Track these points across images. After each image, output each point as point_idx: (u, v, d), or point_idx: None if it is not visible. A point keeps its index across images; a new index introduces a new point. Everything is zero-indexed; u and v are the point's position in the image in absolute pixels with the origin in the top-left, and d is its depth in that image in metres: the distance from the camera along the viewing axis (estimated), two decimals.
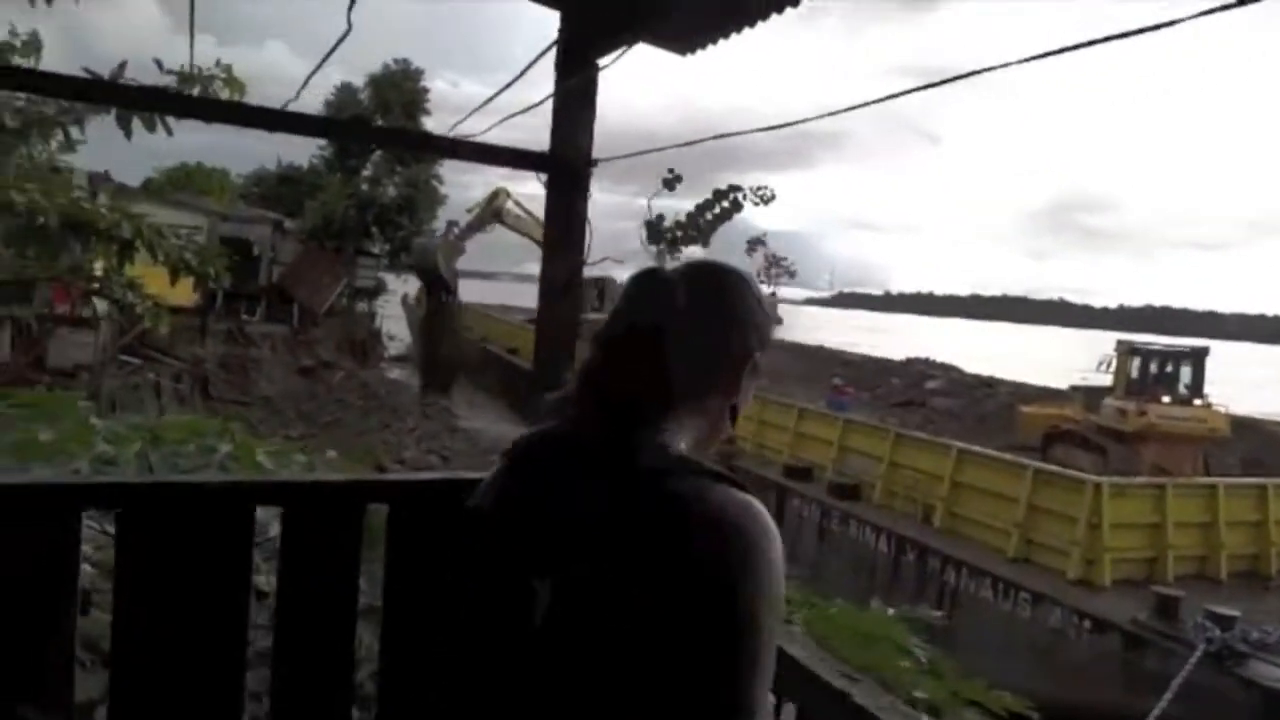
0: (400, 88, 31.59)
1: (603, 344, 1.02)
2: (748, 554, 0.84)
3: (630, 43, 1.81)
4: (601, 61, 1.93)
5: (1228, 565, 9.46)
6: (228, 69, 3.44)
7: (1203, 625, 7.22)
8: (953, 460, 10.70)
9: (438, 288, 23.96)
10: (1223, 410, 15.17)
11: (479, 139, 2.32)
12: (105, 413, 15.51)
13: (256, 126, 2.06)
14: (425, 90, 32.92)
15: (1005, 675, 8.95)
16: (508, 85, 2.73)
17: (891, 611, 2.77)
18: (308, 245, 28.04)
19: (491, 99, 3.00)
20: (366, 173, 32.37)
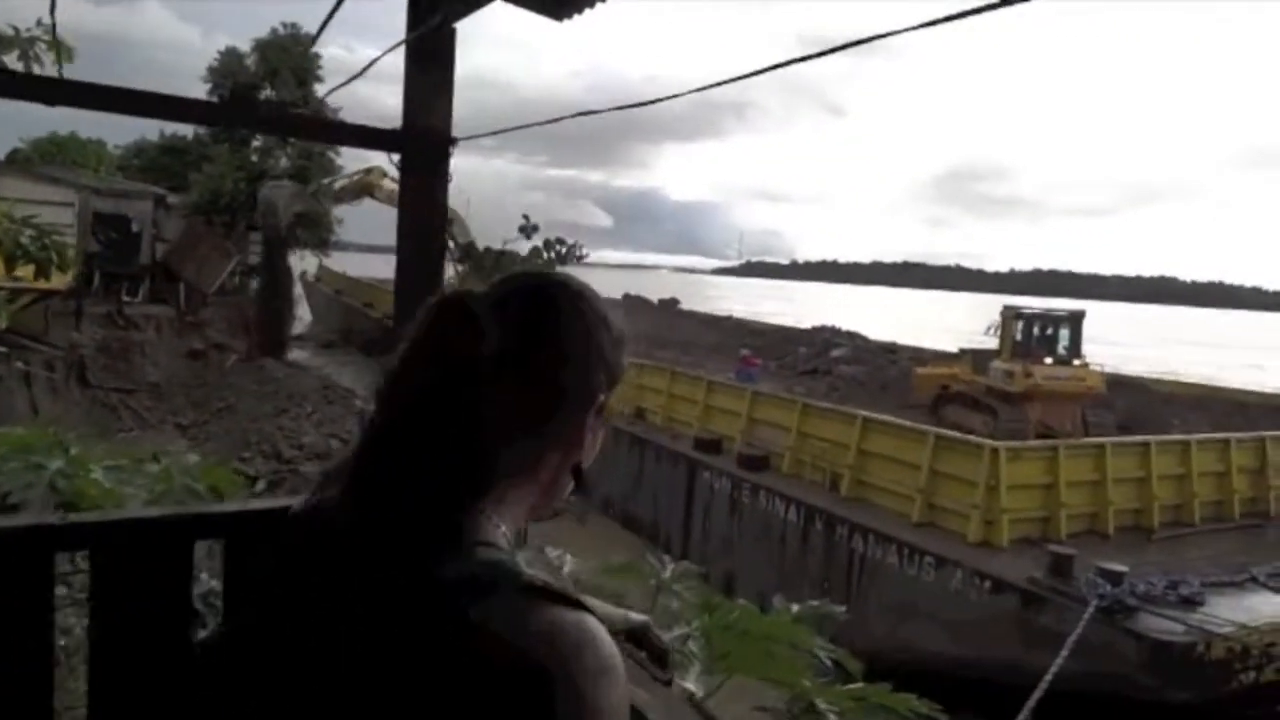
0: (289, 52, 30.00)
1: (385, 404, 0.78)
2: (579, 708, 0.64)
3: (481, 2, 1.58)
4: (460, 24, 1.69)
5: (1115, 520, 9.89)
6: (50, 29, 3.01)
7: (1094, 581, 7.50)
8: (858, 429, 10.86)
9: (276, 246, 22.10)
10: (1099, 369, 16.25)
11: (331, 115, 2.06)
12: None
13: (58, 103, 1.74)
14: (317, 56, 31.40)
15: (912, 638, 9.19)
16: (384, 54, 2.45)
17: (795, 608, 2.65)
18: (193, 220, 26.48)
19: (365, 70, 2.71)
20: (256, 143, 30.72)
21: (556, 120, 1.87)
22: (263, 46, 30.43)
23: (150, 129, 33.88)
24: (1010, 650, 7.95)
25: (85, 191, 21.64)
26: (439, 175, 1.69)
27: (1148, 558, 8.98)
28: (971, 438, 10.54)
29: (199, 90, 28.13)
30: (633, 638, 1.98)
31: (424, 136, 1.69)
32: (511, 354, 0.78)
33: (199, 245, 24.94)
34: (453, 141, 1.70)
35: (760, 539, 11.28)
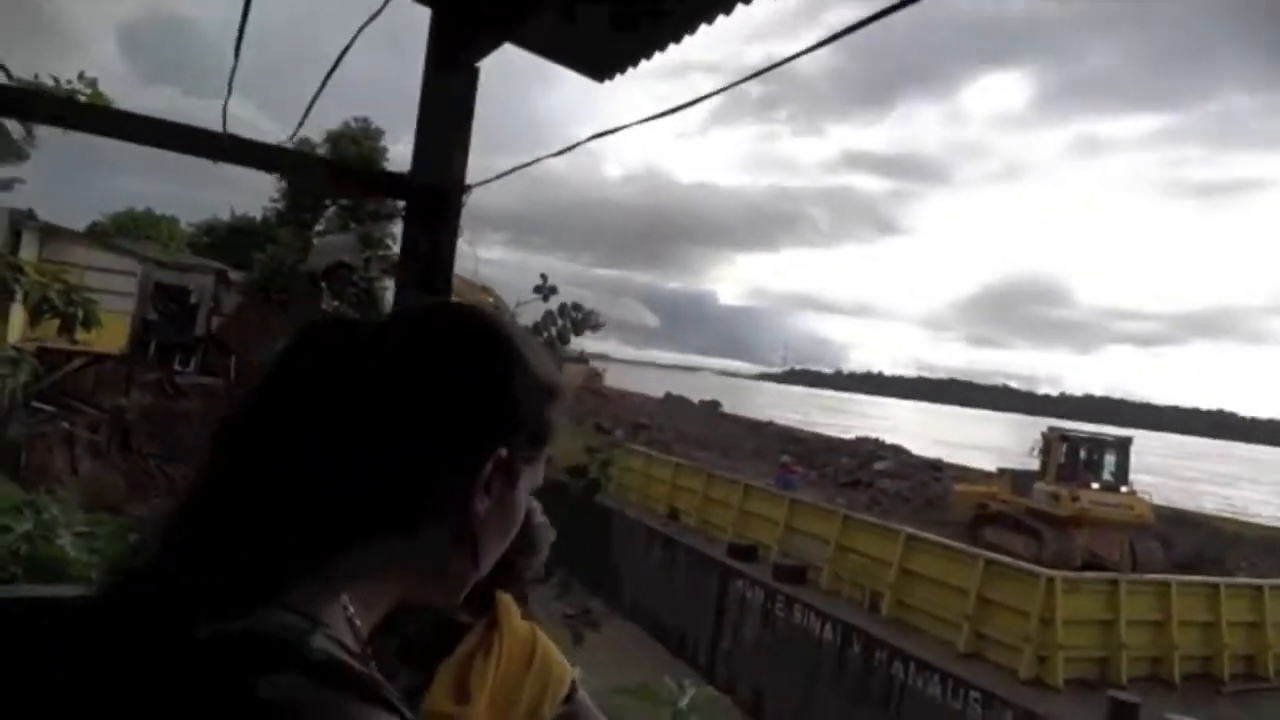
0: (360, 144, 31.28)
1: (215, 448, 0.61)
2: None
3: (507, 37, 1.42)
4: (482, 63, 1.52)
5: (1180, 667, 9.11)
6: (92, 83, 2.98)
7: None
8: (901, 546, 10.30)
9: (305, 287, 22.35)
10: (1147, 498, 15.59)
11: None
12: (8, 462, 14.48)
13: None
14: (384, 150, 32.68)
15: None
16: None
17: None
18: (250, 296, 27.17)
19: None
20: (319, 227, 31.77)
21: (571, 148, 1.69)
22: (333, 138, 31.80)
23: (222, 208, 35.33)
24: None
25: (149, 263, 22.38)
26: (447, 225, 1.51)
27: (1219, 711, 8.20)
28: (1026, 564, 9.90)
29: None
30: None
31: (432, 181, 1.51)
32: (376, 393, 0.59)
33: (253, 319, 25.51)
34: (465, 189, 1.52)
35: (793, 656, 10.62)
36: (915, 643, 9.47)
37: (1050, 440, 16.04)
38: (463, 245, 1.55)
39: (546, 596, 15.64)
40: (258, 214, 33.60)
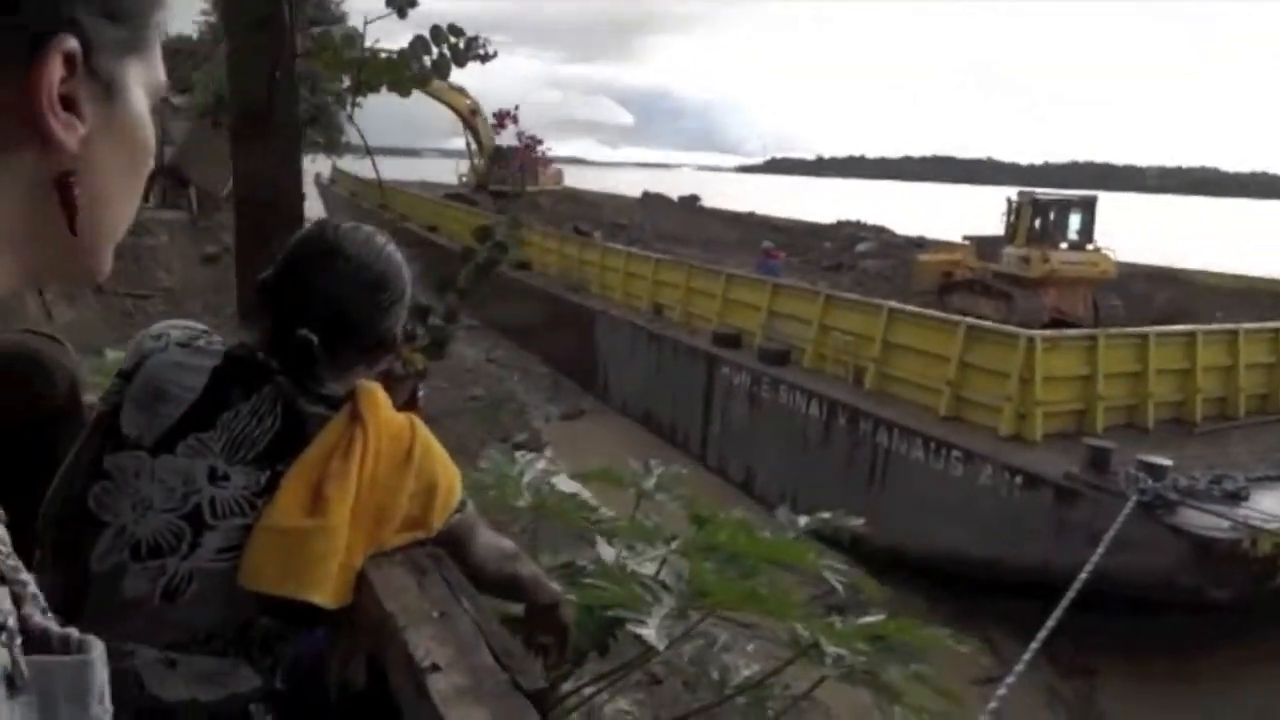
0: None
1: None
2: None
3: None
4: None
5: (1155, 414, 9.39)
6: None
7: (1135, 476, 7.07)
8: (884, 320, 10.32)
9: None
10: (1111, 255, 16.12)
11: None
12: None
13: None
14: None
15: (938, 535, 8.83)
16: None
17: (804, 520, 2.20)
18: (198, 124, 25.77)
19: None
20: None
21: None
22: None
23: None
24: (1042, 548, 7.61)
25: None
26: None
27: (1190, 452, 8.52)
28: (1007, 328, 9.97)
29: None
30: (531, 619, 1.52)
31: None
32: None
33: (206, 148, 24.31)
34: None
35: (781, 435, 10.94)
36: (898, 411, 9.70)
37: (1020, 204, 16.46)
38: None
39: (539, 398, 15.99)
40: (191, 32, 31.26)
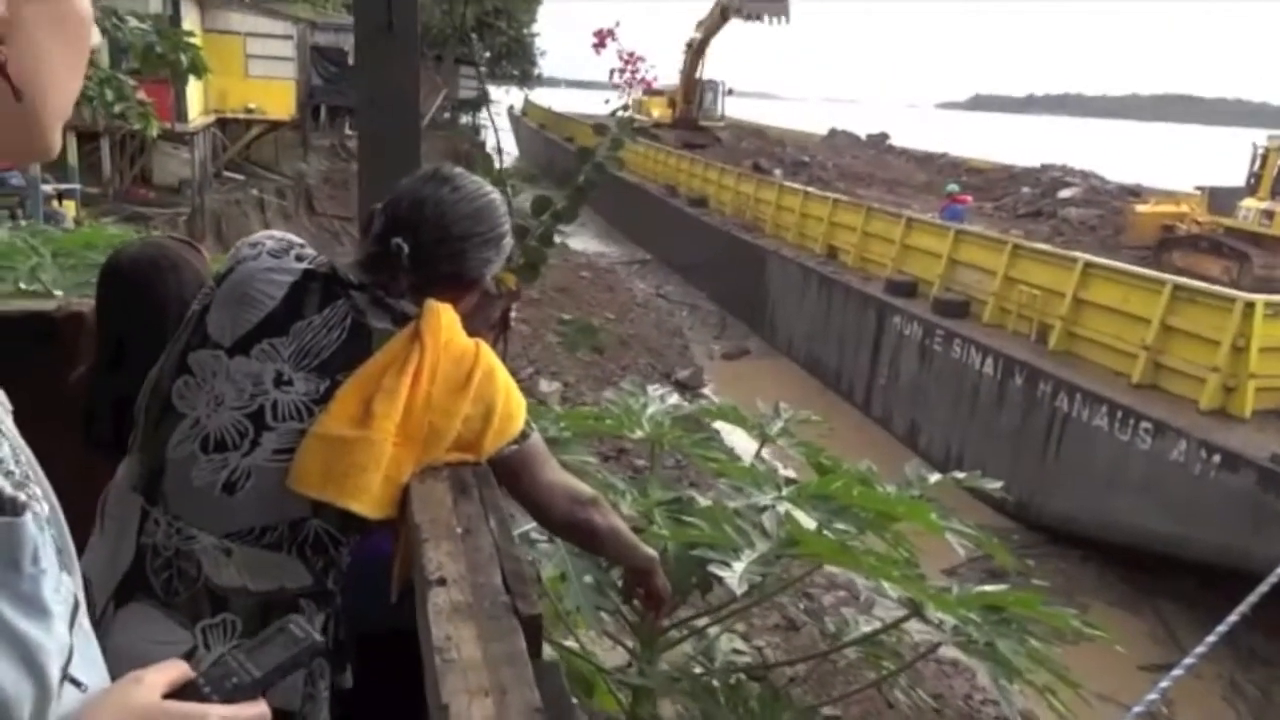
0: None
1: None
2: None
3: None
4: None
5: None
6: None
7: None
8: (1077, 274, 9.51)
9: None
10: None
11: None
12: (209, 229, 15.90)
13: None
14: None
15: (1116, 510, 8.22)
16: None
17: (935, 478, 2.13)
18: None
19: None
20: None
21: None
22: None
23: None
24: (1236, 533, 6.91)
25: (303, 24, 22.55)
26: None
27: None
28: (1221, 289, 8.94)
29: None
30: (629, 582, 1.55)
31: None
32: None
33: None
34: None
35: (950, 391, 10.45)
36: (1085, 375, 8.99)
37: (1270, 150, 14.08)
38: None
39: (705, 336, 16.07)
40: None
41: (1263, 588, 5.28)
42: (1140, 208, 17.66)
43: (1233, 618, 4.88)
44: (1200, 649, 4.65)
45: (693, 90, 29.34)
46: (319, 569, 1.29)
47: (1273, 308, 7.96)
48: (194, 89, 15.69)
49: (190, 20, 16.40)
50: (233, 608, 1.24)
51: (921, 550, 2.23)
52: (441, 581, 0.97)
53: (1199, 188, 16.86)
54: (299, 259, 1.35)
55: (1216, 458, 7.27)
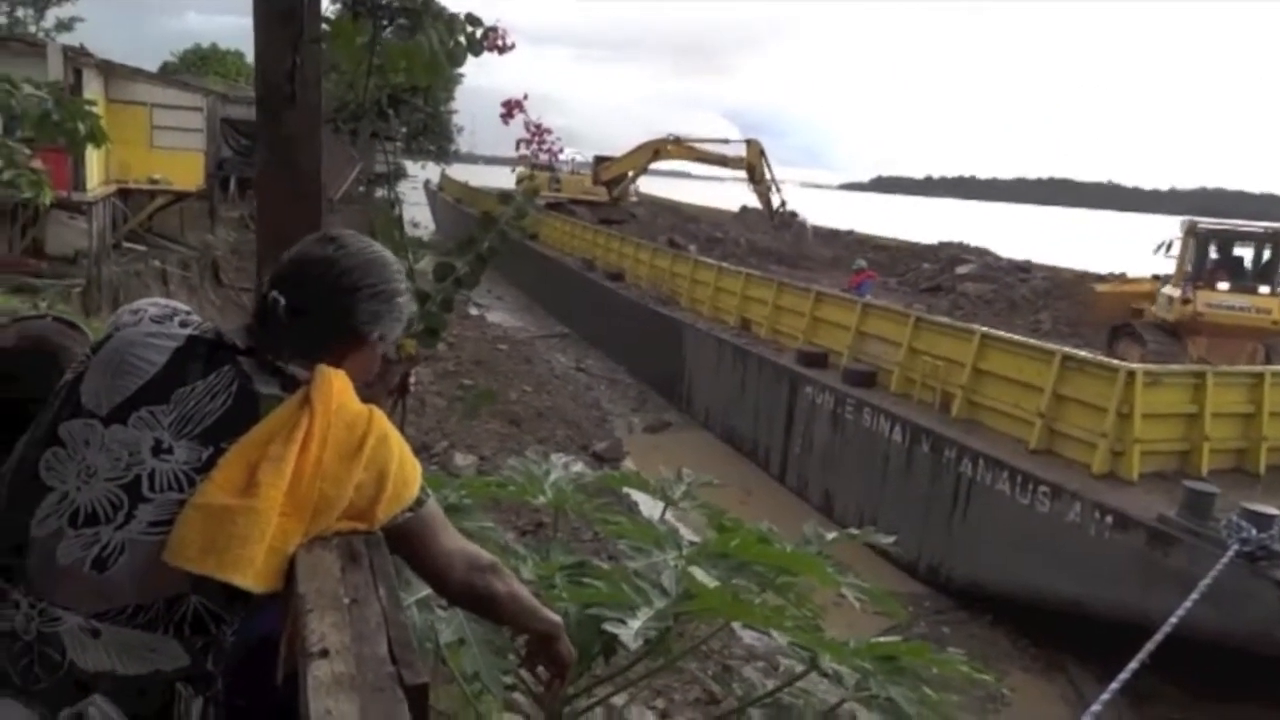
0: None
1: None
2: None
3: None
4: None
5: (1268, 458, 8.77)
6: None
7: (1237, 524, 6.62)
8: (975, 345, 9.99)
9: None
10: None
11: None
12: (106, 302, 15.27)
13: None
14: None
15: (1020, 572, 8.49)
16: None
17: (832, 535, 2.18)
18: None
19: None
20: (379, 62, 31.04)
21: None
22: None
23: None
24: (1130, 591, 7.21)
25: (214, 96, 22.31)
26: None
27: None
28: (1106, 359, 9.49)
29: None
30: (531, 649, 1.50)
31: None
32: None
33: (325, 153, 25.54)
34: None
35: (862, 458, 10.71)
36: (986, 441, 9.36)
37: (1185, 235, 13.92)
38: None
39: (625, 409, 16.11)
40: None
41: (1146, 650, 5.51)
42: (1102, 287, 17.50)
43: (1115, 683, 5.07)
44: (1105, 695, 4.80)
45: (614, 183, 30.90)
46: (198, 649, 1.21)
47: (1151, 376, 8.50)
48: (95, 158, 15.27)
49: (93, 90, 16.04)
50: (100, 693, 1.14)
51: (832, 622, 2.26)
52: (324, 653, 0.93)
53: (1155, 276, 15.86)
54: (183, 325, 1.31)
55: (1109, 519, 7.62)
